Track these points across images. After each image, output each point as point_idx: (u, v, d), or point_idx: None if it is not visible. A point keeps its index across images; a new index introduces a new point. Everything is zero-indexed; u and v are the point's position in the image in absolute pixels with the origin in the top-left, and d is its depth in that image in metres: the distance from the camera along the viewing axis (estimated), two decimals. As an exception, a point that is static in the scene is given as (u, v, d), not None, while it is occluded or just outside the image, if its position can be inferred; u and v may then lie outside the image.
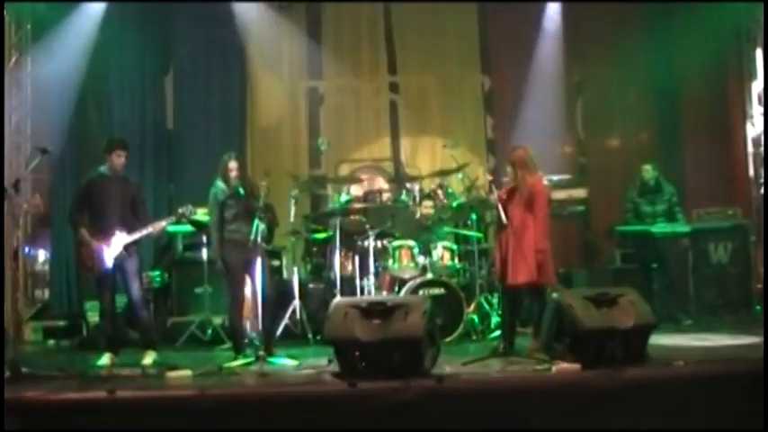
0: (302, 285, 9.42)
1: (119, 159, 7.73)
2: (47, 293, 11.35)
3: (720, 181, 11.38)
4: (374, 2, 12.38)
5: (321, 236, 9.99)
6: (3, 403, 5.43)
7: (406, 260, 9.11)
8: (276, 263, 9.92)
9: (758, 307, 9.71)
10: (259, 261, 7.45)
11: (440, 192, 9.77)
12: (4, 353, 7.00)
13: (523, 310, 7.77)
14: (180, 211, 7.79)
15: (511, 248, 7.25)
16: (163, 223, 7.82)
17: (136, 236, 7.61)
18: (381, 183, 11.10)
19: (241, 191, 7.71)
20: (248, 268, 7.59)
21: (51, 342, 9.91)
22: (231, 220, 7.62)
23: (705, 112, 11.64)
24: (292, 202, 9.75)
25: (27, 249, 11.07)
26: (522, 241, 7.29)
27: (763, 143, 10.42)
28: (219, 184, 7.77)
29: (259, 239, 7.50)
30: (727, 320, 9.34)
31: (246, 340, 8.30)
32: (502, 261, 7.41)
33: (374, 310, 6.36)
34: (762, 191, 10.63)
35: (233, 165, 7.72)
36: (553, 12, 11.84)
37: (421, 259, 9.13)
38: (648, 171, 9.44)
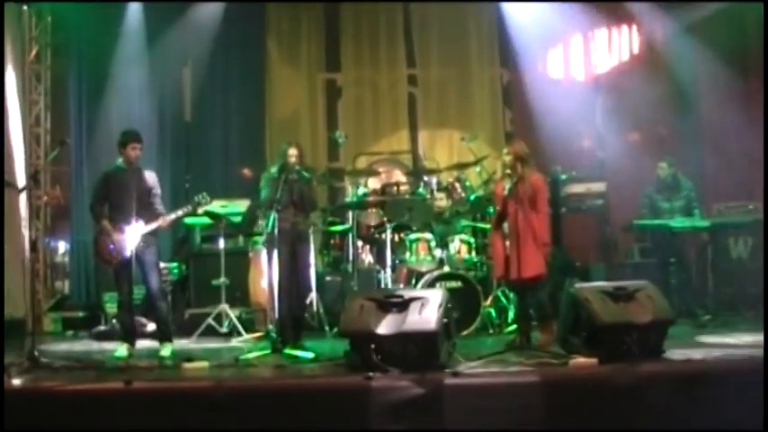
0: (319, 278, 9.42)
1: (134, 152, 7.76)
2: (66, 285, 11.42)
3: (740, 175, 11.27)
4: (394, 1, 12.37)
5: (338, 228, 9.99)
6: (3, 403, 5.47)
7: (422, 253, 9.11)
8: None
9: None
10: (308, 249, 8.00)
11: (457, 185, 9.75)
12: (24, 343, 7.08)
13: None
14: (195, 199, 7.85)
15: (519, 243, 7.20)
16: (179, 213, 7.87)
17: (153, 226, 7.64)
18: (399, 176, 11.06)
19: (305, 174, 7.88)
20: (293, 258, 7.65)
21: (70, 333, 9.99)
22: (281, 209, 7.63)
23: (725, 107, 11.51)
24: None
25: (47, 241, 11.14)
26: (532, 235, 7.29)
27: (763, 141, 10.26)
28: (273, 169, 7.87)
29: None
30: (747, 316, 9.26)
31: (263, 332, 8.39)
32: (504, 256, 7.36)
33: (390, 303, 6.37)
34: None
35: (293, 151, 7.80)
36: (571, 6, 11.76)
37: (438, 252, 9.12)
38: (664, 168, 9.36)
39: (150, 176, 7.90)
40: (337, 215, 10.32)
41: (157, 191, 7.89)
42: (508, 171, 7.49)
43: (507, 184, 7.37)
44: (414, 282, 9.01)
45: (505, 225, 7.48)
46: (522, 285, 7.41)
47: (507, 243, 7.36)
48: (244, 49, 12.04)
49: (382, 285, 9.12)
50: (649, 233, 9.78)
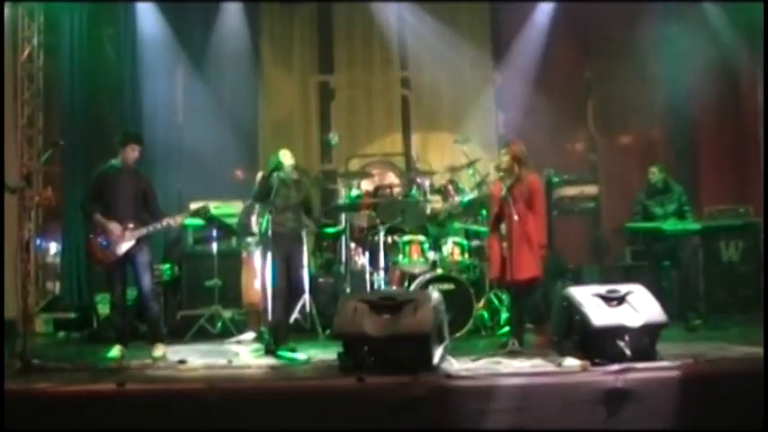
0: (312, 280, 9.42)
1: (133, 153, 7.75)
2: (58, 286, 11.39)
3: (733, 178, 11.31)
4: (388, 1, 12.36)
5: (331, 231, 9.99)
6: (3, 403, 5.45)
7: (415, 255, 9.11)
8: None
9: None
10: (301, 252, 8.12)
11: (450, 187, 9.76)
12: (15, 344, 7.04)
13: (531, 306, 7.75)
14: (194, 208, 7.86)
15: (513, 245, 7.20)
16: (179, 219, 7.85)
17: (150, 229, 7.64)
18: (392, 178, 11.09)
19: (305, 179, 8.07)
20: (289, 261, 7.65)
21: (62, 334, 9.95)
22: (278, 212, 7.62)
23: (718, 109, 11.56)
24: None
25: (38, 242, 11.11)
26: (528, 237, 7.29)
27: (762, 144, 10.31)
28: (268, 172, 7.89)
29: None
30: (738, 319, 9.28)
31: (255, 334, 8.38)
32: (500, 258, 7.39)
33: (383, 305, 6.36)
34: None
35: (289, 153, 7.88)
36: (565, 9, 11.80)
37: (431, 254, 9.12)
38: (655, 173, 9.38)
39: (145, 178, 7.90)
40: (330, 217, 10.32)
41: (154, 193, 7.89)
42: (501, 173, 7.49)
43: (504, 186, 7.37)
44: (407, 284, 9.02)
45: (502, 226, 7.46)
46: (517, 288, 7.42)
47: (504, 245, 7.36)
48: (237, 51, 12.01)
49: (375, 287, 9.12)
50: (641, 236, 9.80)
